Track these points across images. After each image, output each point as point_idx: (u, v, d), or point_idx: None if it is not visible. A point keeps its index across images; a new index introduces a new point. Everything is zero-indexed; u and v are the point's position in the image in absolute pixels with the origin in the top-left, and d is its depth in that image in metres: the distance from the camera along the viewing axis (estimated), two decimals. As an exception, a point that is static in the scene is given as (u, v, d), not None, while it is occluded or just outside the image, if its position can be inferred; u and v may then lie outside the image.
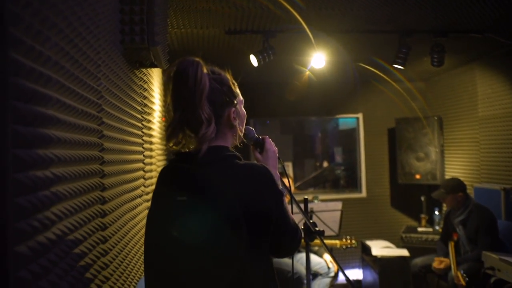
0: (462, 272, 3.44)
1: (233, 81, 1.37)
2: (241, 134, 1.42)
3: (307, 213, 1.74)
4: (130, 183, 2.12)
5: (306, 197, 1.77)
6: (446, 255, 3.87)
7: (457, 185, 3.82)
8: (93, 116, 1.46)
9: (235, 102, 1.34)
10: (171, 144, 1.27)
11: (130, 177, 2.12)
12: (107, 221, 1.62)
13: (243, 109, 1.43)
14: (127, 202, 2.02)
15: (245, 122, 1.44)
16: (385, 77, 3.92)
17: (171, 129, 1.27)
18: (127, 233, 1.99)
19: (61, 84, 1.10)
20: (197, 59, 1.25)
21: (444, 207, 5.15)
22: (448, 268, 3.71)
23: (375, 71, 3.75)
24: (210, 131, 1.22)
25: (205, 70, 1.24)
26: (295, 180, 6.32)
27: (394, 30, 3.49)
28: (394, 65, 3.69)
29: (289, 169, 6.37)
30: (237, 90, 1.39)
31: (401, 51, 3.57)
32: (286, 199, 1.36)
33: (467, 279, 3.39)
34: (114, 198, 1.75)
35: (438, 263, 3.82)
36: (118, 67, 1.88)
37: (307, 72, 4.45)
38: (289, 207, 1.44)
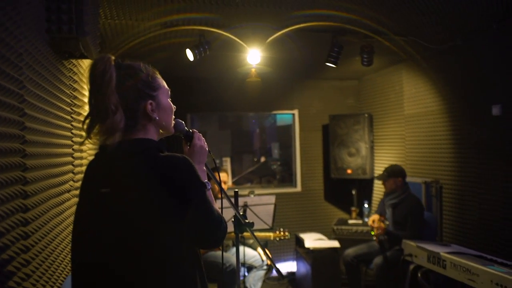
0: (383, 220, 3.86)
1: (153, 74, 1.37)
2: (168, 126, 1.42)
3: (237, 206, 1.78)
4: (57, 178, 2.04)
5: (236, 190, 1.81)
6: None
7: (398, 171, 4.17)
8: (14, 106, 1.40)
9: (152, 94, 1.34)
10: (92, 137, 1.26)
11: (57, 171, 2.04)
12: (29, 216, 1.56)
13: (169, 101, 1.43)
14: (53, 197, 1.95)
15: (172, 114, 1.44)
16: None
17: (87, 122, 1.26)
18: (53, 229, 1.92)
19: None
20: (109, 55, 1.28)
21: (374, 200, 5.44)
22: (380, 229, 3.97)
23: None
24: (117, 119, 1.23)
25: (113, 64, 1.26)
26: (233, 175, 6.37)
27: (327, 29, 3.62)
28: (327, 63, 3.83)
29: (227, 164, 6.41)
30: (159, 82, 1.39)
31: (334, 50, 3.72)
32: (218, 194, 1.39)
33: (387, 222, 3.82)
34: (38, 192, 1.68)
35: (371, 221, 4.11)
36: (43, 57, 1.81)
37: (254, 69, 4.45)
38: (216, 201, 1.47)
